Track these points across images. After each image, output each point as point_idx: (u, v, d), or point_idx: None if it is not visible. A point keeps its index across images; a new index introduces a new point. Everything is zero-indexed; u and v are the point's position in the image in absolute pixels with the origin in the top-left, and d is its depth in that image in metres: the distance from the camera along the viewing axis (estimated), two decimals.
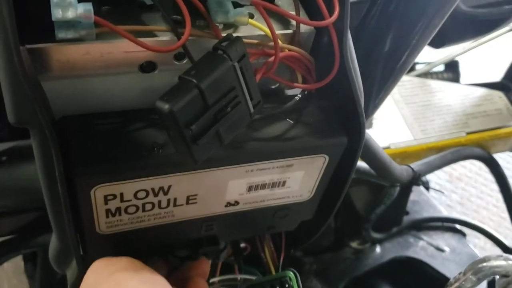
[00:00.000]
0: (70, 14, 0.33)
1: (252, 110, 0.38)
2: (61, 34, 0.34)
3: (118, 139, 0.39)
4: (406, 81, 1.09)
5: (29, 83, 0.33)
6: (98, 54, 0.37)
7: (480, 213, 1.87)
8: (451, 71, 1.39)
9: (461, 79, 1.39)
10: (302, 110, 0.45)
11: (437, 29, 0.67)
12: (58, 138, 0.36)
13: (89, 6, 0.33)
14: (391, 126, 1.01)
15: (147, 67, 0.40)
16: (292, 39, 0.43)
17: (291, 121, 0.44)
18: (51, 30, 0.35)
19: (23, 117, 0.34)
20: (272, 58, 0.40)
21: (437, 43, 0.86)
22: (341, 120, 0.45)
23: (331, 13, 0.40)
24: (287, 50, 0.42)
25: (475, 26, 1.27)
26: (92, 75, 0.39)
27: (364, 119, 0.43)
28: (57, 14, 0.32)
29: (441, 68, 1.34)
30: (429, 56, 1.18)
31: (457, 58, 1.30)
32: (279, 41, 0.41)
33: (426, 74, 1.28)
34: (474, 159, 1.02)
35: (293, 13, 0.42)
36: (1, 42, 0.32)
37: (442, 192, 1.76)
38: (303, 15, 0.44)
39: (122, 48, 0.37)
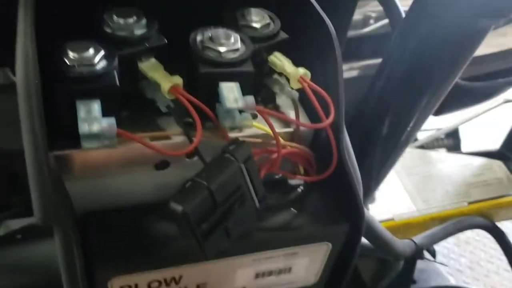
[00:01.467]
0: (95, 128, 0.37)
1: (257, 205, 0.41)
2: (86, 145, 0.37)
3: (133, 233, 0.42)
4: (406, 152, 1.12)
5: (55, 187, 0.36)
6: (118, 157, 0.41)
7: (491, 277, 1.85)
8: (452, 137, 1.43)
9: (462, 145, 1.43)
10: (305, 199, 0.48)
11: (436, 107, 0.71)
12: (80, 234, 0.39)
13: (112, 120, 0.37)
14: (394, 197, 1.03)
15: (162, 165, 0.44)
16: (293, 136, 0.47)
17: (295, 211, 0.47)
18: (75, 136, 0.39)
19: (48, 218, 0.38)
20: (275, 155, 0.44)
21: (436, 111, 0.90)
22: (342, 207, 0.48)
23: (327, 114, 0.44)
24: (289, 147, 0.45)
25: (472, 96, 1.33)
26: (111, 174, 0.43)
27: (363, 209, 0.46)
28: (83, 128, 0.36)
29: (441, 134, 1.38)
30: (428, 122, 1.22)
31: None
32: (281, 139, 0.45)
33: (427, 142, 1.31)
34: (477, 228, 1.04)
35: (293, 113, 0.46)
36: (32, 151, 0.36)
37: (446, 265, 1.75)
38: (301, 113, 0.48)
39: (140, 151, 0.41)
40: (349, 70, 1.26)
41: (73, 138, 0.39)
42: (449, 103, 0.97)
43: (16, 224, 0.98)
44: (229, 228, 0.39)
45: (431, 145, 1.35)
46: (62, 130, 0.40)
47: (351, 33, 1.17)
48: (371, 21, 1.18)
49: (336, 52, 0.44)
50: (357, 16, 1.17)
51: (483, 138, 1.41)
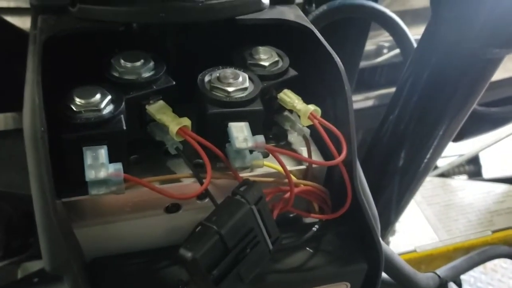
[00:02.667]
0: (102, 174, 0.36)
1: (271, 247, 0.40)
2: (94, 191, 0.37)
3: (144, 279, 0.41)
4: (426, 181, 1.10)
5: (64, 235, 0.36)
6: (127, 202, 0.40)
7: None
8: (473, 164, 1.40)
9: (483, 171, 1.40)
10: (320, 238, 0.46)
11: (453, 136, 0.70)
12: (89, 281, 0.38)
13: (119, 166, 0.37)
14: (415, 228, 1.01)
15: (172, 208, 0.43)
16: (306, 174, 0.46)
17: (311, 250, 0.45)
18: (83, 182, 0.38)
19: (57, 266, 0.37)
20: (288, 194, 0.43)
21: (455, 138, 0.88)
22: (359, 245, 0.46)
23: (339, 149, 0.43)
24: (302, 185, 0.44)
25: (490, 122, 1.30)
26: (121, 219, 0.42)
27: (381, 247, 0.44)
28: (90, 175, 0.36)
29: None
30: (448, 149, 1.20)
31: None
32: (294, 177, 0.44)
33: (448, 169, 1.29)
34: (503, 258, 1.00)
35: (305, 149, 0.46)
36: (40, 199, 0.35)
37: None
38: (314, 149, 0.47)
39: (149, 195, 0.41)
40: (365, 100, 1.25)
41: (81, 184, 0.38)
42: (467, 129, 0.95)
43: (33, 266, 0.98)
44: (242, 272, 0.38)
45: (451, 172, 1.33)
46: (70, 176, 0.40)
47: (364, 63, 1.17)
48: (384, 50, 1.18)
49: (346, 88, 0.43)
50: (370, 46, 1.17)
51: (505, 164, 1.38)
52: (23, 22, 0.94)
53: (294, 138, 0.49)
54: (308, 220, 0.49)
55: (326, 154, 0.47)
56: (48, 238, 0.36)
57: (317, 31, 0.46)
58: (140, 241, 0.44)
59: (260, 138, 0.41)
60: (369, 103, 1.25)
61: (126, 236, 0.43)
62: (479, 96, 0.60)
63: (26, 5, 0.92)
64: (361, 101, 1.25)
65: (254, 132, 0.41)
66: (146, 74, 0.42)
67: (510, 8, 0.47)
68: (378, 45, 1.19)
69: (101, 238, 0.42)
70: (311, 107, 0.44)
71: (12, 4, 0.92)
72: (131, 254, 0.43)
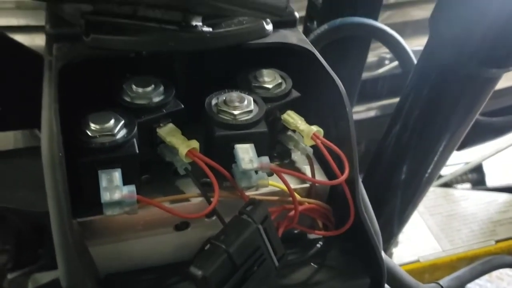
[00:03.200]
0: (117, 196, 0.38)
1: (277, 264, 0.42)
2: (108, 212, 0.39)
3: None
4: (429, 192, 1.11)
5: (79, 253, 0.38)
6: (139, 221, 0.42)
7: None
8: (476, 172, 1.41)
9: (487, 179, 1.41)
10: (325, 254, 0.48)
11: (455, 148, 0.71)
12: None
13: (132, 188, 0.39)
14: (418, 238, 1.02)
15: (182, 226, 0.45)
16: (310, 192, 0.48)
17: (315, 266, 0.47)
18: (98, 203, 0.40)
19: (73, 283, 0.39)
20: (292, 212, 0.45)
21: (458, 147, 0.90)
22: (362, 260, 0.48)
23: (342, 168, 0.45)
24: (306, 203, 0.46)
25: (492, 131, 1.32)
26: (133, 237, 0.44)
27: (383, 262, 0.46)
28: (105, 197, 0.38)
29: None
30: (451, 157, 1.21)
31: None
32: (298, 196, 0.45)
33: (451, 178, 1.30)
34: (507, 268, 1.01)
35: (309, 168, 0.47)
36: (57, 221, 0.37)
37: None
38: (317, 167, 0.49)
39: (160, 214, 0.42)
40: (367, 111, 1.27)
41: (96, 204, 0.40)
42: (470, 138, 0.96)
43: (43, 277, 1.00)
44: None
45: (455, 180, 1.34)
46: (85, 197, 0.41)
47: (366, 74, 1.19)
48: (386, 62, 1.20)
49: (347, 110, 0.45)
50: (371, 58, 1.19)
51: (508, 173, 1.39)
52: (32, 40, 0.96)
53: (297, 156, 0.51)
54: (312, 236, 0.51)
55: (329, 172, 0.49)
56: (65, 257, 0.38)
57: (318, 54, 0.48)
58: (151, 258, 0.45)
59: (265, 159, 0.43)
60: (372, 113, 1.27)
61: (138, 253, 0.45)
62: (478, 111, 0.62)
63: (35, 23, 0.95)
64: (363, 111, 1.26)
65: (259, 153, 0.43)
66: (156, 99, 0.44)
67: (505, 29, 0.49)
68: (380, 57, 1.21)
69: (114, 255, 0.44)
70: (314, 128, 0.46)
71: (21, 22, 0.95)
72: (143, 270, 0.45)
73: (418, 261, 0.96)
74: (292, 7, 0.50)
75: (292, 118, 0.47)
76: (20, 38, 0.92)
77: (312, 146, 0.48)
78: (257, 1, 0.37)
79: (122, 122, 0.42)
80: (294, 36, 0.50)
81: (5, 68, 0.75)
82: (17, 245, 1.07)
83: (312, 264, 0.47)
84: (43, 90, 0.44)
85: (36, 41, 0.95)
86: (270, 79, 0.48)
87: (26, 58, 0.77)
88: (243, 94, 0.46)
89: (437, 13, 0.56)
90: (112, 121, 0.41)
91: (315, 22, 0.75)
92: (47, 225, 0.40)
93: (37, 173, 0.41)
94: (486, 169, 1.38)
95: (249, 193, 0.45)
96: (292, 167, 0.50)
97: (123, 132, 0.41)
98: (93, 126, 0.41)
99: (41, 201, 0.41)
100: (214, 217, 0.46)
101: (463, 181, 1.37)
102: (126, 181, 0.40)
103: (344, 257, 0.48)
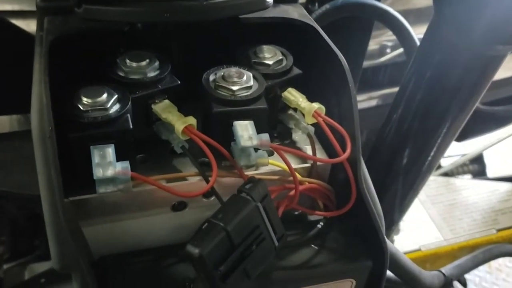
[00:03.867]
0: (110, 172, 0.37)
1: (276, 244, 0.40)
2: (101, 189, 0.37)
3: (151, 276, 0.42)
4: (430, 181, 1.10)
5: (72, 233, 0.36)
6: (134, 200, 0.41)
7: None
8: (477, 163, 1.40)
9: (487, 170, 1.40)
10: (325, 235, 0.47)
11: (457, 134, 0.70)
12: (97, 278, 0.38)
13: (126, 164, 0.37)
14: (420, 227, 1.01)
15: (179, 206, 0.44)
16: (310, 171, 0.46)
17: (316, 247, 0.46)
18: (91, 181, 0.39)
19: (66, 264, 0.37)
20: (293, 192, 0.43)
21: (459, 137, 0.89)
22: (364, 242, 0.46)
23: (344, 147, 0.43)
24: (307, 183, 0.45)
25: (494, 121, 1.30)
26: (128, 218, 0.42)
27: (386, 244, 0.44)
28: (98, 173, 0.36)
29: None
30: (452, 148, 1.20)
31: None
32: (299, 175, 0.44)
33: (452, 169, 1.29)
34: (508, 256, 1.00)
35: (310, 147, 0.46)
36: (48, 199, 0.36)
37: None
38: (318, 147, 0.48)
39: (156, 193, 0.41)
40: (368, 100, 1.26)
41: (89, 183, 0.39)
42: (471, 128, 0.95)
43: (40, 267, 0.99)
44: (248, 269, 0.38)
45: (456, 171, 1.32)
46: (78, 175, 0.40)
47: (368, 63, 1.18)
48: (388, 50, 1.19)
49: (350, 86, 0.43)
50: (373, 46, 1.17)
51: (509, 163, 1.38)
52: (27, 25, 0.94)
53: (298, 136, 0.49)
54: (313, 217, 0.49)
55: (330, 152, 0.47)
56: (57, 237, 0.37)
57: (321, 30, 0.47)
58: (147, 239, 0.44)
59: (265, 137, 0.41)
60: (373, 103, 1.25)
61: (133, 234, 0.44)
62: (481, 94, 0.60)
63: (30, 8, 0.93)
64: (364, 101, 1.25)
65: (259, 130, 0.42)
66: (151, 74, 0.43)
67: None
68: (381, 45, 1.19)
69: (108, 236, 0.43)
70: (315, 105, 0.44)
71: (16, 7, 0.93)
72: (138, 251, 0.44)
73: (419, 249, 0.95)
74: None
75: (293, 95, 0.46)
76: (15, 23, 0.90)
77: (313, 125, 0.47)
78: None
79: (116, 96, 0.40)
80: (296, 11, 0.48)
81: (1, 53, 0.73)
82: (13, 235, 1.06)
83: (312, 245, 0.46)
84: (34, 67, 0.43)
85: (31, 26, 0.93)
86: (270, 55, 0.47)
87: (21, 43, 0.76)
88: (242, 70, 0.44)
89: None
90: (105, 95, 0.39)
91: (316, 4, 0.73)
92: (42, 213, 0.39)
93: (32, 156, 0.40)
94: (486, 159, 1.37)
95: (249, 173, 0.43)
96: (293, 147, 0.48)
97: (116, 107, 0.40)
98: (85, 100, 0.39)
99: (36, 184, 0.40)
100: (212, 198, 0.44)
101: (464, 172, 1.36)
102: (120, 158, 0.38)
103: (346, 239, 0.47)
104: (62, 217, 0.36)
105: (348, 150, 0.42)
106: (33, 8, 0.91)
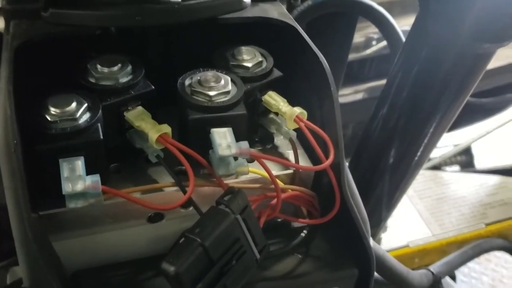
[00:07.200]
0: (79, 187, 0.35)
1: (258, 256, 0.39)
2: (71, 205, 0.35)
3: None
4: (418, 175, 1.09)
5: (41, 249, 0.34)
6: (108, 213, 0.39)
7: None
8: (465, 155, 1.39)
9: (475, 161, 1.39)
10: (310, 243, 0.45)
11: (445, 131, 0.69)
12: None
13: (96, 177, 0.35)
14: (407, 223, 1.00)
15: (155, 217, 0.42)
16: (293, 178, 0.44)
17: (300, 256, 0.44)
18: (61, 194, 0.37)
19: (37, 281, 0.36)
20: (275, 201, 0.41)
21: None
22: (349, 249, 0.45)
23: (326, 152, 0.42)
24: (290, 190, 0.43)
25: (481, 112, 1.30)
26: (102, 230, 0.40)
27: (372, 251, 0.43)
28: (67, 188, 0.35)
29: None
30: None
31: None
32: (281, 183, 0.42)
33: (440, 161, 1.28)
34: (497, 250, 1.00)
35: (292, 152, 0.44)
36: (15, 213, 0.34)
37: None
38: (301, 152, 0.46)
39: (131, 205, 0.39)
40: (354, 94, 1.24)
41: (59, 196, 0.37)
42: (459, 119, 0.94)
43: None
44: (228, 284, 0.36)
45: (443, 163, 1.32)
46: (47, 188, 0.38)
47: (353, 55, 1.16)
48: (373, 42, 1.17)
49: (332, 89, 0.42)
50: (358, 38, 1.16)
51: (497, 155, 1.38)
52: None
53: (280, 140, 0.47)
54: (296, 224, 0.48)
55: (313, 156, 0.45)
56: (25, 253, 0.35)
57: (301, 30, 0.45)
58: (123, 252, 0.42)
59: (245, 145, 0.39)
60: (359, 96, 1.24)
61: (108, 247, 0.42)
62: (470, 91, 0.59)
63: None
64: (350, 94, 1.24)
65: (238, 137, 0.40)
66: (123, 79, 0.41)
67: (500, 2, 0.46)
68: (367, 37, 1.17)
69: (82, 250, 0.41)
70: (297, 109, 0.42)
71: None
72: (114, 265, 0.42)
73: (407, 246, 0.94)
74: None
75: (273, 99, 0.44)
76: None
77: (295, 130, 0.45)
78: None
79: (85, 105, 0.38)
80: (275, 10, 0.46)
81: None
82: None
83: (296, 254, 0.44)
84: (0, 73, 0.40)
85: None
86: (249, 57, 0.45)
87: None
88: (219, 74, 0.42)
89: None
90: (74, 104, 0.37)
91: None
92: None
93: None
94: (474, 151, 1.36)
95: (228, 181, 0.42)
96: (275, 152, 0.47)
97: (86, 116, 0.38)
98: (53, 110, 0.37)
99: None
100: (190, 208, 0.42)
101: (451, 163, 1.35)
102: (90, 170, 0.36)
103: (331, 247, 0.45)
104: (29, 233, 0.34)
105: (331, 156, 0.41)
106: None
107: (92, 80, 0.40)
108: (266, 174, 0.41)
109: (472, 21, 0.48)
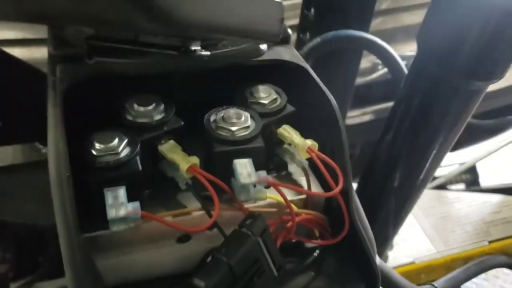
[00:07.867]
0: (122, 212, 0.40)
1: (275, 274, 0.44)
2: (114, 228, 0.41)
3: None
4: (423, 194, 1.14)
5: (87, 267, 0.40)
6: (144, 234, 0.44)
7: None
8: (470, 173, 1.43)
9: (480, 180, 1.43)
10: (321, 262, 0.50)
11: (446, 154, 0.74)
12: None
13: (137, 204, 0.41)
14: (413, 240, 1.04)
15: (183, 238, 0.47)
16: (306, 202, 0.50)
17: (313, 273, 0.49)
18: (104, 218, 0.42)
19: None
20: (290, 223, 0.47)
21: (451, 148, 0.91)
22: (357, 268, 0.50)
23: (336, 179, 0.47)
24: (303, 214, 0.48)
25: (484, 133, 1.34)
26: (138, 250, 0.46)
27: (377, 269, 0.48)
28: (111, 213, 0.40)
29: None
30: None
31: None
32: (295, 207, 0.47)
33: (445, 180, 1.32)
34: (501, 267, 1.03)
35: (305, 179, 0.50)
36: (65, 237, 0.39)
37: None
38: (313, 179, 0.51)
39: (163, 228, 0.44)
40: (362, 115, 1.29)
41: (102, 219, 0.42)
42: (462, 139, 0.99)
43: (45, 286, 1.01)
44: None
45: (449, 181, 1.36)
46: (91, 213, 0.43)
47: (360, 80, 1.22)
48: (379, 67, 1.22)
49: (339, 123, 0.47)
50: (365, 64, 1.21)
51: (502, 173, 1.41)
52: (30, 53, 0.98)
53: (294, 168, 0.53)
54: (309, 244, 0.53)
55: (324, 183, 0.51)
56: (73, 273, 0.39)
57: (311, 70, 0.50)
58: (154, 270, 0.47)
59: (263, 174, 0.45)
60: (366, 118, 1.29)
61: (142, 265, 0.47)
62: (466, 120, 0.64)
63: (32, 36, 0.96)
64: (358, 116, 1.29)
65: (257, 166, 0.45)
66: (157, 117, 0.46)
67: (489, 44, 0.51)
68: (373, 63, 1.23)
69: (119, 268, 0.46)
70: (309, 142, 0.48)
71: (19, 36, 0.96)
72: (147, 281, 0.47)
73: (413, 262, 0.98)
74: (285, 25, 0.52)
75: (287, 132, 0.49)
76: (18, 51, 0.93)
77: (307, 159, 0.50)
78: (249, 29, 0.39)
79: (126, 140, 0.43)
80: (288, 53, 0.52)
81: (3, 83, 0.76)
82: (17, 253, 1.08)
83: (309, 271, 0.49)
84: (48, 111, 0.46)
85: (34, 54, 0.96)
86: (265, 94, 0.50)
87: (24, 73, 0.79)
88: (240, 110, 0.48)
89: (424, 28, 0.58)
90: (116, 140, 0.43)
91: (308, 33, 0.77)
92: (46, 232, 0.42)
93: (39, 187, 0.42)
94: (479, 169, 1.40)
95: (248, 205, 0.47)
96: (289, 179, 0.52)
97: (126, 150, 0.43)
98: (98, 145, 0.43)
99: (45, 214, 0.43)
100: (214, 229, 0.47)
101: (457, 182, 1.39)
102: (130, 197, 0.41)
103: (340, 265, 0.50)
104: (78, 255, 0.39)
105: (340, 184, 0.46)
106: (35, 36, 0.94)
107: (130, 118, 0.46)
108: (281, 199, 0.46)
109: (463, 62, 0.53)
